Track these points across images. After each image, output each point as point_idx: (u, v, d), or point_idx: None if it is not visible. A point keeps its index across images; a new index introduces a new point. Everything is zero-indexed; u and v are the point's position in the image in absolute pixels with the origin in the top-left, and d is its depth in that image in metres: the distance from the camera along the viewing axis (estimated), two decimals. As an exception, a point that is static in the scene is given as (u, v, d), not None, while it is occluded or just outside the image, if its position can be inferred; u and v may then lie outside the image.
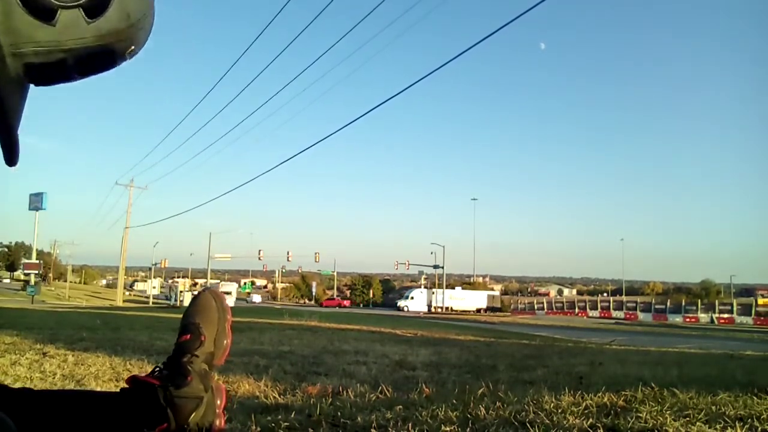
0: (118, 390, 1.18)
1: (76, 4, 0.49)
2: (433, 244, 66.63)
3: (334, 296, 77.04)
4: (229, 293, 47.07)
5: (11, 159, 0.56)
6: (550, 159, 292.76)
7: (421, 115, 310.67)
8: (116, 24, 0.52)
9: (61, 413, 1.02)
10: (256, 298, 75.10)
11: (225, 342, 1.24)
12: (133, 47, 0.55)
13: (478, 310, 55.78)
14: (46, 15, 0.48)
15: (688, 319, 43.02)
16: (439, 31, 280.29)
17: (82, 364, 3.50)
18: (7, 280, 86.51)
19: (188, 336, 1.20)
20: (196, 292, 1.33)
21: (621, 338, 13.67)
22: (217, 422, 1.20)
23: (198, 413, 1.15)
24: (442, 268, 56.78)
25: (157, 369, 1.18)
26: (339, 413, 1.89)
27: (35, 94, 0.57)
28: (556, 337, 12.91)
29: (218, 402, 1.21)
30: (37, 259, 51.87)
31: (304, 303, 77.65)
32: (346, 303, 68.00)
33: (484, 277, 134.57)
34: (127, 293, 51.02)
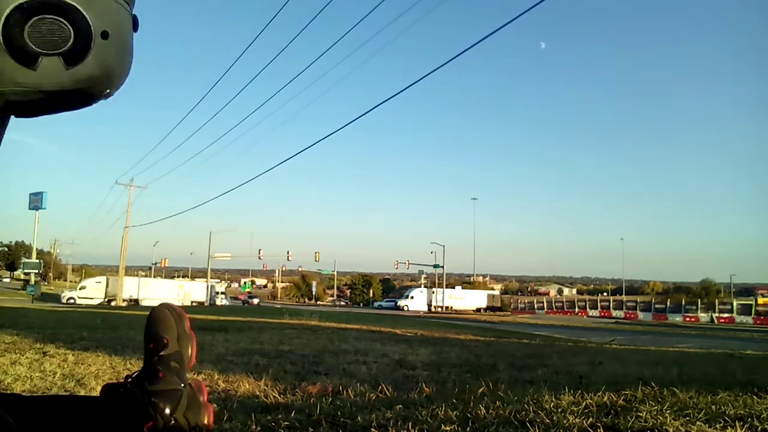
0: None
1: (57, 52, 0.53)
2: (433, 244, 66.52)
3: (334, 296, 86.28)
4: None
5: None
6: (550, 159, 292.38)
7: (421, 115, 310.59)
8: (93, 71, 0.56)
9: (47, 419, 1.03)
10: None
11: (189, 342, 1.29)
12: (108, 90, 0.60)
13: (478, 310, 55.71)
14: (29, 60, 0.53)
15: (688, 319, 42.96)
16: (440, 32, 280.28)
17: (82, 364, 3.50)
18: (7, 280, 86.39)
19: (151, 344, 1.24)
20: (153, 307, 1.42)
21: (621, 338, 13.67)
22: (206, 417, 1.21)
23: (181, 407, 1.16)
24: (442, 267, 56.69)
25: (129, 376, 1.21)
26: (339, 412, 1.90)
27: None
28: (556, 337, 12.91)
29: (200, 396, 1.23)
30: (37, 258, 51.73)
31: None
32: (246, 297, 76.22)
33: (484, 276, 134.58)
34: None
